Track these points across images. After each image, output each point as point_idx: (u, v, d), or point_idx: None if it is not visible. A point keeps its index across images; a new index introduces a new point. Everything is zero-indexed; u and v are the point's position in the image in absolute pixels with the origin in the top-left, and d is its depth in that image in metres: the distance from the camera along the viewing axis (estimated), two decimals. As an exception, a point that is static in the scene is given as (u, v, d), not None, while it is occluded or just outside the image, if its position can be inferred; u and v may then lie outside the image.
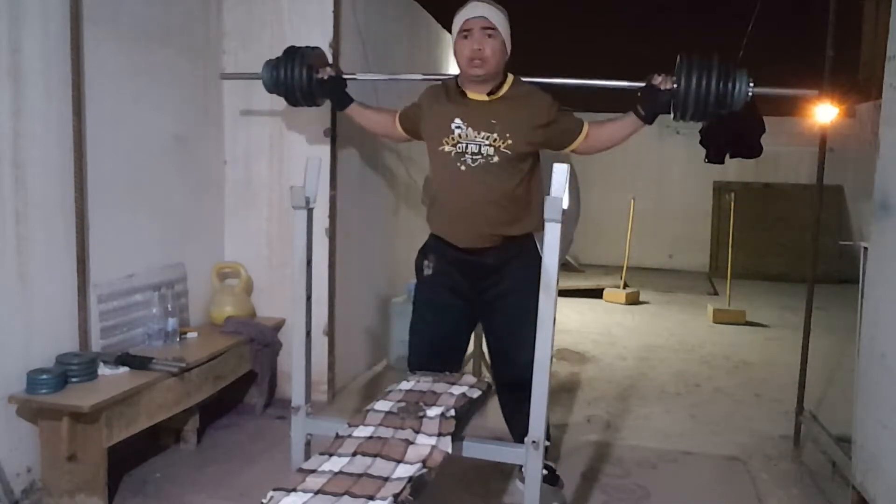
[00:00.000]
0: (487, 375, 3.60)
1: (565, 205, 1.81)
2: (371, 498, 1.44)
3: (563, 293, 5.97)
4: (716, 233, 8.38)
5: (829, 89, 2.99)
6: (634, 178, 8.36)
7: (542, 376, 1.84)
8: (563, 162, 1.81)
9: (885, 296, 2.10)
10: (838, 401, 3.38)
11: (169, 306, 2.85)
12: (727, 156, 6.03)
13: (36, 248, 2.34)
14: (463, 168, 2.26)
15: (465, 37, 2.23)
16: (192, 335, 2.98)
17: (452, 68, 5.36)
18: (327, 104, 2.88)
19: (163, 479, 2.61)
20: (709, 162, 6.16)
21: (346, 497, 1.44)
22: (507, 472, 2.65)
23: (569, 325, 5.48)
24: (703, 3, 7.79)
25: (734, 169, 7.76)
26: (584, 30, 8.03)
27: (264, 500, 1.44)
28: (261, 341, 3.15)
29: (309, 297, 2.21)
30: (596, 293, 6.80)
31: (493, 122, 2.24)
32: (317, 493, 1.46)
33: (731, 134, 5.78)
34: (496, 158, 2.23)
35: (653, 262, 8.69)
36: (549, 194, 1.76)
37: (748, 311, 5.88)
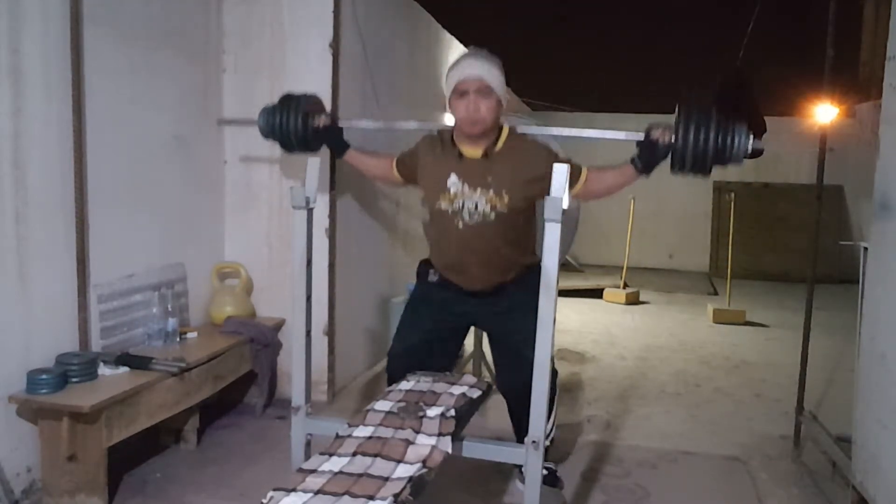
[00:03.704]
0: (487, 375, 3.60)
1: (565, 205, 1.81)
2: (371, 498, 1.44)
3: (563, 293, 5.97)
4: (716, 233, 8.39)
5: (829, 89, 2.99)
6: (634, 177, 8.35)
7: (542, 376, 1.85)
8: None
9: (885, 296, 2.10)
10: (838, 401, 3.38)
11: (169, 306, 2.85)
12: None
13: (36, 249, 2.33)
14: (461, 226, 2.26)
15: (461, 96, 2.19)
16: (192, 335, 2.98)
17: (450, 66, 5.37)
18: None
19: (163, 479, 2.61)
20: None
21: (346, 497, 1.44)
22: (507, 472, 2.65)
23: (569, 325, 5.48)
24: (704, 2, 7.79)
25: (734, 169, 7.73)
26: (590, 30, 8.03)
27: (264, 500, 1.44)
28: (261, 341, 3.15)
29: (309, 297, 2.21)
30: (596, 293, 6.80)
31: (489, 179, 2.22)
32: (317, 493, 1.46)
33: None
34: (493, 216, 2.23)
35: (653, 262, 8.69)
36: (548, 195, 1.76)
37: (748, 311, 5.89)
